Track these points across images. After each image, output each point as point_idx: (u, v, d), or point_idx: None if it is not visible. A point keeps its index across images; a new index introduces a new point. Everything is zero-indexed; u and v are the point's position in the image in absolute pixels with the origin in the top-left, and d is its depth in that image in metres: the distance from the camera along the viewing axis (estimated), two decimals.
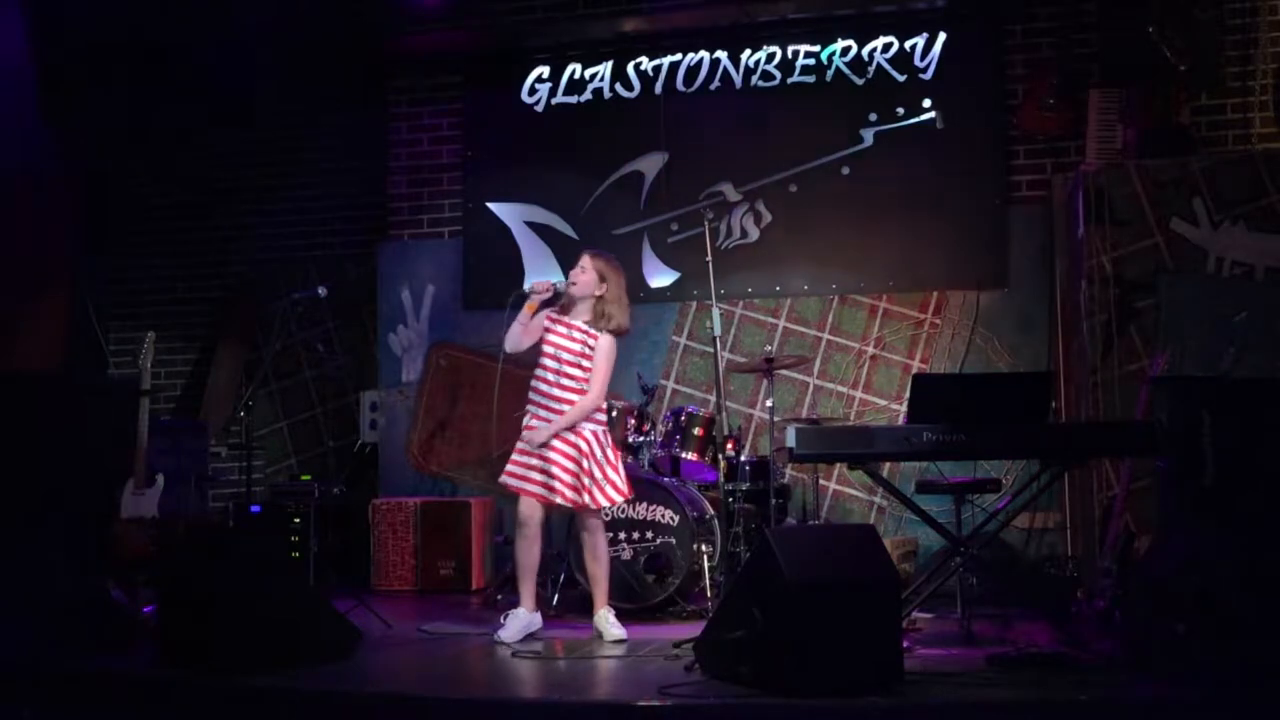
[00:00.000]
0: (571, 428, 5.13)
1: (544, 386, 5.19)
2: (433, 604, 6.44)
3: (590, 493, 5.12)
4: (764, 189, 7.26)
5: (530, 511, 5.16)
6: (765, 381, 6.13)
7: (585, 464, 5.12)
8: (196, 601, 4.47)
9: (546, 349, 5.22)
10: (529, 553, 5.19)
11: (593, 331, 5.19)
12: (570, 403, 5.14)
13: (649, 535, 5.75)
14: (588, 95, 7.54)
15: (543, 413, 5.16)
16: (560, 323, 5.24)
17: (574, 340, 5.20)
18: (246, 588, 4.49)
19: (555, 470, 5.09)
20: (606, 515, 5.70)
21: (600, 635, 5.13)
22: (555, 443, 5.11)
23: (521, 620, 5.15)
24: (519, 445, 5.18)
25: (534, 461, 5.12)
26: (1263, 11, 6.71)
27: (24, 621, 4.69)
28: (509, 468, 5.18)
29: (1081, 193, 6.11)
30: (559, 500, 5.10)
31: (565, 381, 5.17)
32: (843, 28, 7.19)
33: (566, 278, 5.31)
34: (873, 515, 6.92)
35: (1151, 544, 4.73)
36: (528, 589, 5.22)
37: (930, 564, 6.13)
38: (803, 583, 3.87)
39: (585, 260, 5.27)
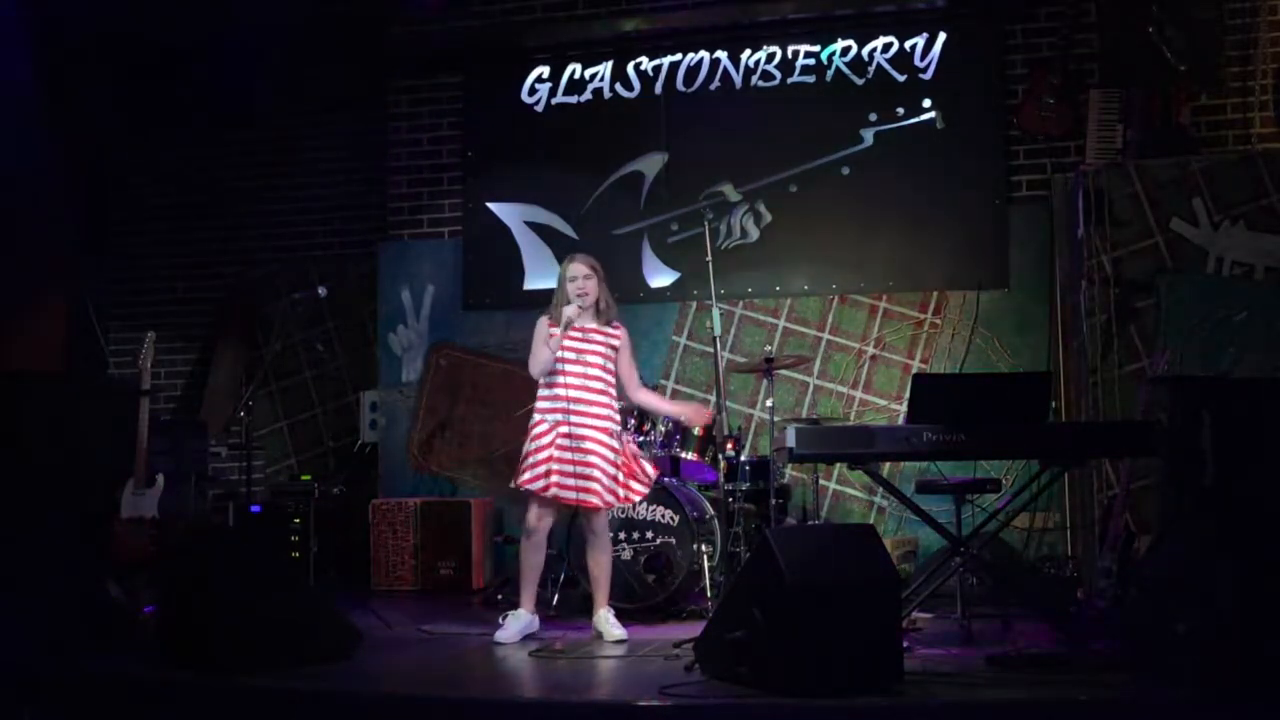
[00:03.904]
0: (606, 429, 5.17)
1: (572, 393, 5.13)
2: (433, 604, 6.44)
3: (615, 493, 5.18)
4: (764, 189, 7.26)
5: (542, 517, 5.18)
6: (765, 381, 6.12)
7: (620, 461, 5.20)
8: (196, 601, 4.47)
9: (567, 355, 5.17)
10: (535, 557, 5.21)
11: (612, 330, 5.27)
12: (604, 404, 5.18)
13: (649, 535, 5.75)
14: (588, 95, 7.54)
15: (575, 419, 5.11)
16: (572, 329, 5.22)
17: (595, 343, 5.22)
18: (246, 588, 4.49)
19: (595, 474, 5.10)
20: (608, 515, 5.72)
21: (600, 635, 5.14)
22: (597, 446, 5.12)
23: (521, 621, 5.15)
24: (552, 454, 5.11)
25: (570, 468, 5.10)
26: (1263, 11, 6.71)
27: (24, 621, 4.68)
28: (555, 478, 5.09)
29: (1081, 193, 6.11)
30: (596, 502, 5.11)
31: (594, 385, 5.18)
32: (843, 28, 7.19)
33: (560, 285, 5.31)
34: (873, 515, 6.92)
35: (1151, 544, 4.73)
36: (529, 591, 5.23)
37: (930, 564, 6.12)
38: (803, 583, 3.87)
39: (579, 268, 5.25)
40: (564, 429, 5.11)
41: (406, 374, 7.72)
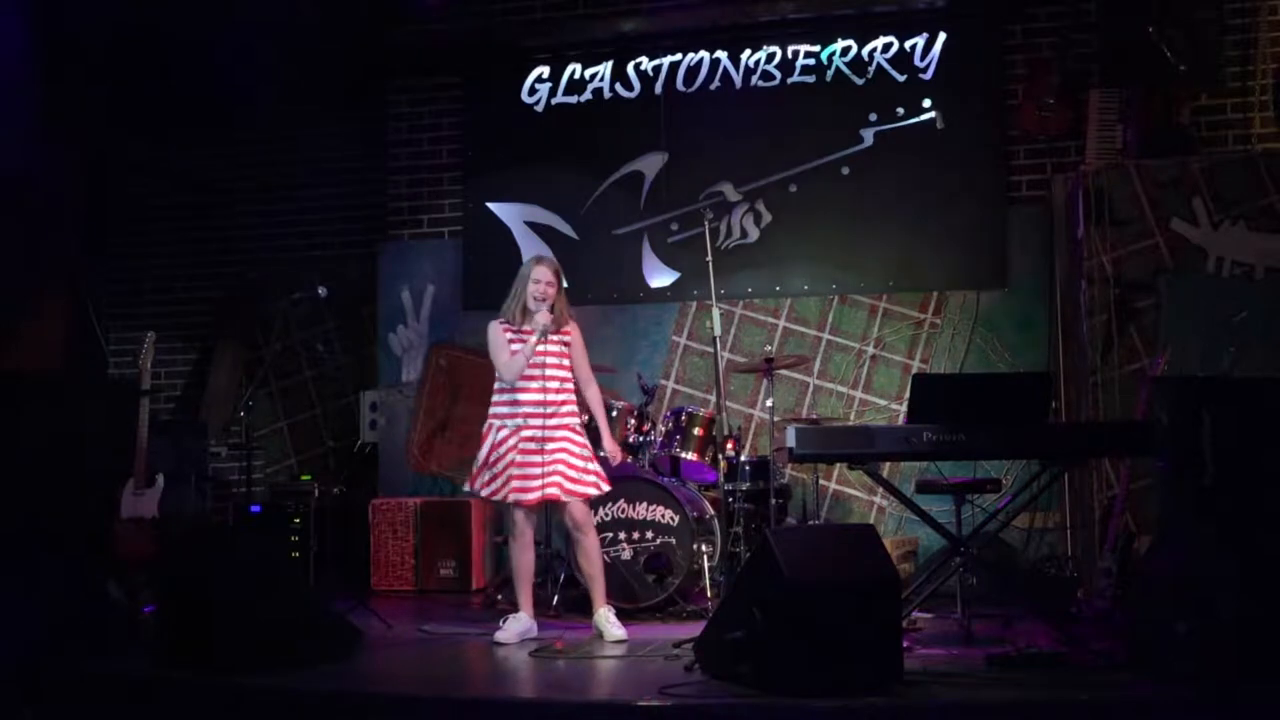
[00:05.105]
0: (570, 426, 5.24)
1: (531, 396, 5.19)
2: (433, 604, 6.44)
3: (594, 484, 5.22)
4: (764, 189, 7.26)
5: (528, 518, 5.21)
6: (765, 381, 6.13)
7: (586, 454, 5.25)
8: (196, 602, 4.47)
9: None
10: (525, 556, 5.23)
11: (564, 329, 5.30)
12: (565, 402, 5.25)
13: (649, 535, 5.75)
14: (588, 95, 7.53)
15: (536, 421, 5.17)
16: (526, 334, 5.24)
17: (550, 345, 5.24)
18: (246, 588, 4.49)
19: (559, 468, 5.14)
20: (607, 515, 5.73)
21: (600, 635, 5.14)
22: (564, 444, 5.17)
23: (521, 624, 5.16)
24: (513, 459, 5.15)
25: (536, 470, 5.13)
26: (1263, 11, 6.71)
27: (24, 622, 4.69)
28: (515, 483, 5.12)
29: (1081, 193, 6.11)
30: (555, 493, 5.13)
31: (551, 385, 5.21)
32: (843, 28, 7.18)
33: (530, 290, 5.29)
34: (873, 515, 6.92)
35: (1151, 544, 4.73)
36: (525, 594, 5.23)
37: (930, 564, 6.12)
38: (803, 583, 3.88)
39: (546, 272, 5.27)
40: (526, 433, 5.15)
41: (406, 374, 7.72)
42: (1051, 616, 5.05)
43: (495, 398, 5.30)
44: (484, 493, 5.24)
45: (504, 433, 5.21)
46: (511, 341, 5.23)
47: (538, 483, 5.12)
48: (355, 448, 7.78)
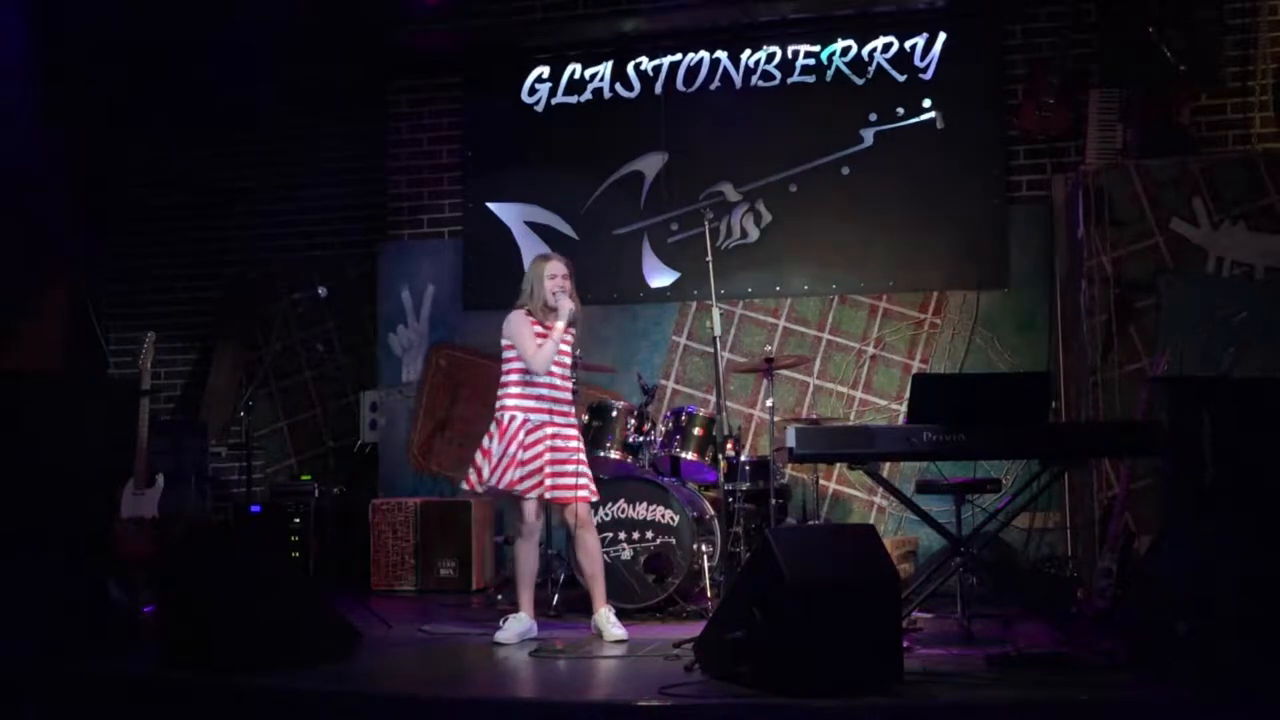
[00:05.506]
0: (571, 424, 5.27)
1: (556, 394, 5.19)
2: (433, 604, 6.44)
3: (591, 485, 5.25)
4: (764, 189, 7.26)
5: (537, 515, 5.21)
6: (765, 381, 6.13)
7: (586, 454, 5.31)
8: (196, 602, 4.47)
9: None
10: (531, 557, 5.23)
11: (572, 330, 5.33)
12: (576, 401, 5.30)
13: (649, 535, 5.75)
14: (588, 95, 7.54)
15: (559, 419, 5.17)
16: (550, 329, 5.20)
17: (567, 344, 5.27)
18: (246, 588, 4.49)
19: (584, 469, 5.18)
20: (607, 515, 5.73)
21: (600, 635, 5.13)
22: (577, 441, 5.21)
23: (522, 624, 5.14)
24: (548, 456, 5.11)
25: (564, 468, 5.14)
26: (1263, 11, 6.71)
27: (25, 622, 4.69)
28: (549, 480, 5.09)
29: (1081, 193, 6.11)
30: (586, 494, 5.16)
31: (568, 384, 5.26)
32: (843, 28, 7.19)
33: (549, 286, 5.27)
34: (873, 515, 6.92)
35: (1151, 544, 4.73)
36: (527, 594, 5.22)
37: (930, 564, 6.13)
38: (803, 583, 3.88)
39: (560, 267, 5.24)
40: (551, 430, 5.14)
41: (406, 374, 7.72)
42: (1051, 616, 5.05)
43: (519, 390, 5.17)
44: (506, 488, 5.09)
45: (528, 426, 5.13)
46: (537, 336, 5.18)
47: (571, 480, 5.12)
48: (355, 448, 7.78)
